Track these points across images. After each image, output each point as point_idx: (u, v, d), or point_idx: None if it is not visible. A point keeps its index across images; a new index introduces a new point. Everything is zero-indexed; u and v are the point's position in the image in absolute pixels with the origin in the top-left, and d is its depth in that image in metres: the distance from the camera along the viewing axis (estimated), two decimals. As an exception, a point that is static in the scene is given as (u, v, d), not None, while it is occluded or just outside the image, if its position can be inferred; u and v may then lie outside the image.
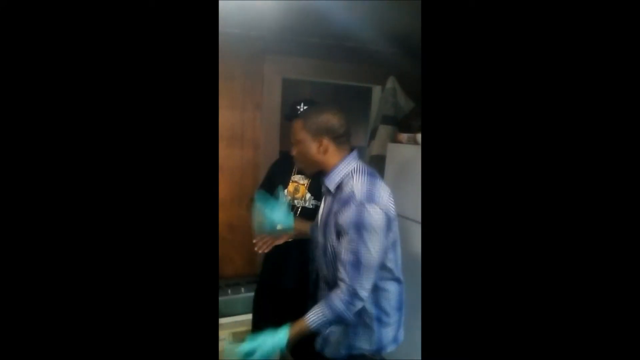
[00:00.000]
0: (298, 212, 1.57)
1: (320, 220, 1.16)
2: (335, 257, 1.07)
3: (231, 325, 2.04)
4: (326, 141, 1.07)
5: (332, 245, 1.08)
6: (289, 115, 1.50)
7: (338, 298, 1.02)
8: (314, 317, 1.05)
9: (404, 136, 2.06)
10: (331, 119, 1.07)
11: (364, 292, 1.01)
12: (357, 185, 1.02)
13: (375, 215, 0.98)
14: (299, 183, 1.61)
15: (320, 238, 1.15)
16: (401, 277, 1.16)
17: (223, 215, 2.23)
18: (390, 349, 1.17)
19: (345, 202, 1.01)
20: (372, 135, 2.45)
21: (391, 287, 1.13)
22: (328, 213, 1.10)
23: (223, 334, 2.00)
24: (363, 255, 0.98)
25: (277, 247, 1.57)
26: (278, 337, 1.04)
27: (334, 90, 2.68)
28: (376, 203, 1.00)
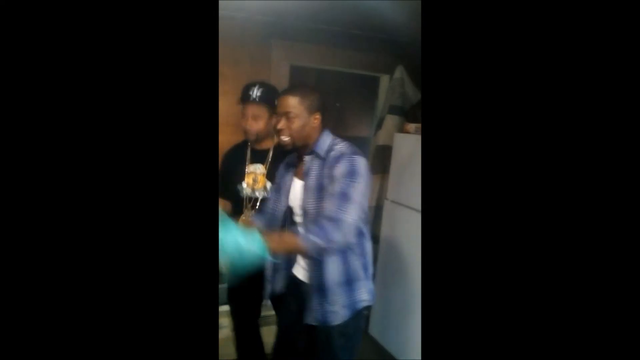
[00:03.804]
0: (258, 204, 1.52)
1: (309, 187, 1.23)
2: None
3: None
4: (319, 116, 1.24)
5: None
6: (246, 97, 1.48)
7: (326, 225, 1.06)
8: (306, 236, 1.06)
9: (411, 126, 2.03)
10: (321, 98, 1.25)
11: (350, 223, 1.06)
12: (344, 147, 1.20)
13: (362, 164, 1.14)
14: (256, 173, 1.53)
15: (311, 206, 1.21)
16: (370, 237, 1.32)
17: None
18: (372, 302, 1.29)
19: (338, 158, 1.16)
20: (379, 125, 2.42)
21: (367, 245, 1.28)
22: (320, 177, 1.21)
23: (225, 321, 2.01)
24: (351, 192, 1.09)
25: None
26: (253, 241, 0.98)
27: (341, 78, 2.64)
28: (361, 156, 1.16)
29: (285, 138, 1.22)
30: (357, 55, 2.36)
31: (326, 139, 1.24)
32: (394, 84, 2.34)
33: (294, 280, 1.34)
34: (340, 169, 1.13)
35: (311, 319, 1.24)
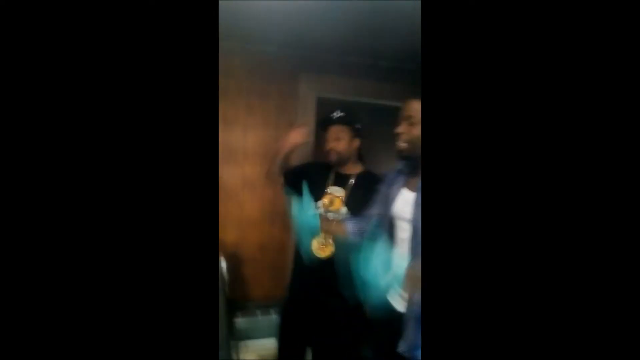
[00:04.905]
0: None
1: (415, 203, 1.12)
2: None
3: (258, 348, 1.98)
4: None
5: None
6: (328, 119, 1.52)
7: None
8: None
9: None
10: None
11: None
12: None
13: None
14: (334, 195, 1.52)
15: (415, 220, 1.10)
16: None
17: (254, 235, 2.20)
18: None
19: None
20: (408, 155, 2.38)
21: None
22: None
23: (250, 357, 1.95)
24: None
25: (303, 266, 1.50)
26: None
27: (368, 108, 2.64)
28: None
29: (402, 144, 1.16)
30: (384, 86, 2.36)
31: None
32: (422, 113, 2.32)
33: (389, 308, 1.18)
34: None
35: (405, 347, 1.08)
